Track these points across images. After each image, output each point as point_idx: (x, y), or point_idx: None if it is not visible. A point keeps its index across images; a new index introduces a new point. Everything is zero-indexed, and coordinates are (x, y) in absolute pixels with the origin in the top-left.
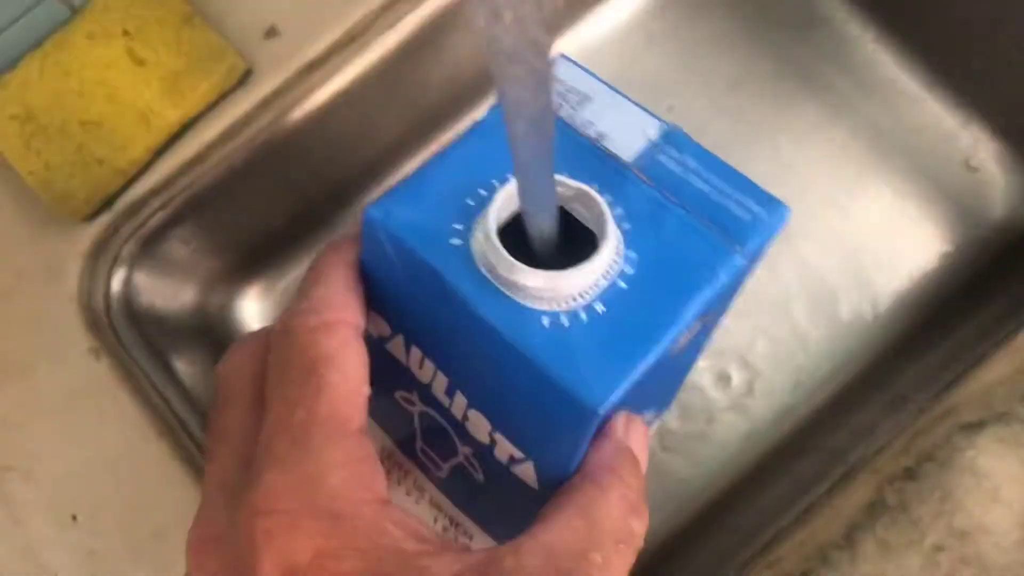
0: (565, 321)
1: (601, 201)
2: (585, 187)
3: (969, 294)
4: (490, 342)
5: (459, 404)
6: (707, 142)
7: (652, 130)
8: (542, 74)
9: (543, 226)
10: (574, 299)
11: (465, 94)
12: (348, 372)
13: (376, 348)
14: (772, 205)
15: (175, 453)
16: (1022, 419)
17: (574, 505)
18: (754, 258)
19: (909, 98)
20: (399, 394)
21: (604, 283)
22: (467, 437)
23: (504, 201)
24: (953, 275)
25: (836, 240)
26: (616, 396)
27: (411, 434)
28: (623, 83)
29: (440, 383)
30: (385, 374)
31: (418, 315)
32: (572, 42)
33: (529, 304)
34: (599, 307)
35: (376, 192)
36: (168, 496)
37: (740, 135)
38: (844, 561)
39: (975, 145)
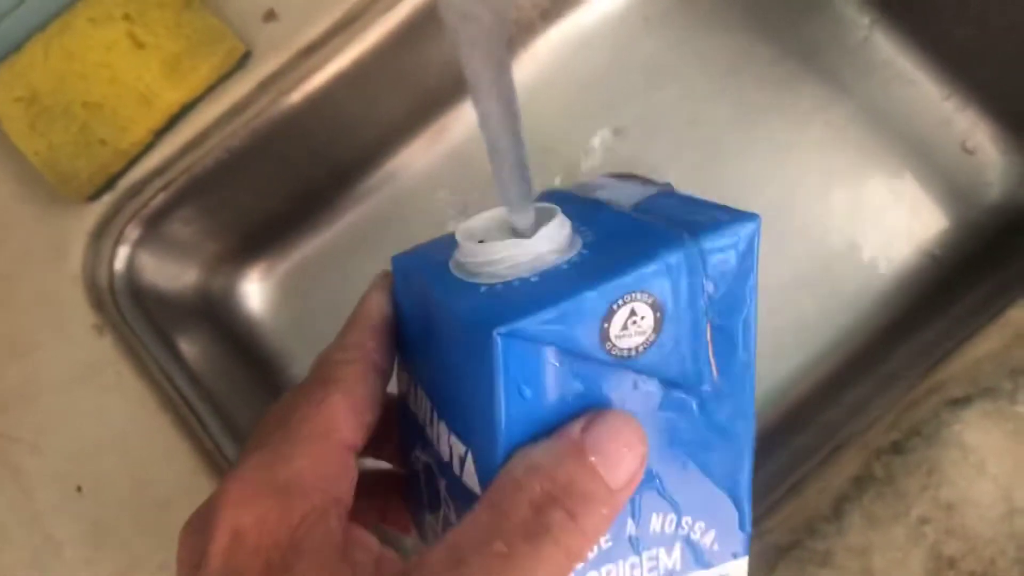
0: (500, 288)
1: (551, 206)
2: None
3: (964, 274)
4: (442, 322)
5: (438, 428)
6: (704, 127)
7: (648, 192)
8: (496, 33)
9: (516, 195)
10: (515, 276)
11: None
12: (354, 397)
13: (403, 411)
14: (740, 214)
15: (177, 426)
16: (1008, 394)
17: (483, 500)
18: (713, 255)
19: (906, 81)
20: (414, 455)
21: (547, 265)
22: (443, 465)
23: (490, 215)
24: (949, 256)
25: (833, 222)
26: (511, 327)
27: (422, 501)
28: (620, 68)
29: (429, 413)
30: (408, 436)
31: (419, 341)
32: (568, 27)
33: (476, 281)
34: (534, 279)
35: (376, 174)
36: (171, 468)
37: (738, 119)
38: (831, 533)
39: (971, 128)
